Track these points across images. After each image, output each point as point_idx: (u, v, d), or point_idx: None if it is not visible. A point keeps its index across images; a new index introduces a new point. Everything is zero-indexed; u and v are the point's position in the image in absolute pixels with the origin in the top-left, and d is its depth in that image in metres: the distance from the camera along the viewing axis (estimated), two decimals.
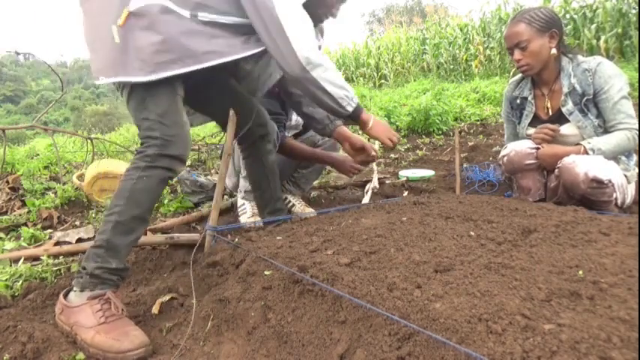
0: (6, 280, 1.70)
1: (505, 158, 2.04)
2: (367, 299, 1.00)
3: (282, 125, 2.27)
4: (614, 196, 1.76)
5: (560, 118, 1.99)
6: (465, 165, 3.19)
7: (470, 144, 4.10)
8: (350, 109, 1.65)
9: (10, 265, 1.82)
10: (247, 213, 2.22)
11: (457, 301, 0.93)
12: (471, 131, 4.95)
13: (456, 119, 5.43)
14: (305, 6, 1.54)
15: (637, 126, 1.84)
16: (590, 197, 1.77)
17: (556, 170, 1.88)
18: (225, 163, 1.68)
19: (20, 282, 1.70)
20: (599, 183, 1.71)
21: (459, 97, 6.40)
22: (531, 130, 2.06)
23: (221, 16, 1.47)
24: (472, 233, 1.37)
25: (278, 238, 1.53)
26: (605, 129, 1.90)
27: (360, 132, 2.22)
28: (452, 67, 11.07)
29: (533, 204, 1.73)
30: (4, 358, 1.21)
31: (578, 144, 1.87)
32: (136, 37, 1.40)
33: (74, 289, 1.36)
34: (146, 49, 1.40)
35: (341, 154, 2.53)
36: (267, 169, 1.95)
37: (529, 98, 2.08)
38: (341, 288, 1.06)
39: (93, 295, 1.33)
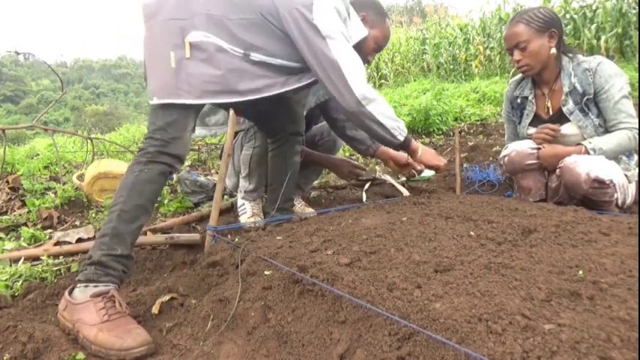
0: (6, 280, 1.70)
1: (506, 158, 2.04)
2: (367, 299, 1.00)
3: None
4: (615, 196, 1.76)
5: (560, 117, 1.99)
6: (464, 165, 3.19)
7: (470, 144, 4.09)
8: (401, 138, 1.80)
9: (10, 265, 1.82)
10: (247, 213, 2.22)
11: (457, 301, 0.93)
12: (471, 131, 4.95)
13: (456, 119, 5.42)
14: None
15: (637, 125, 1.84)
16: (592, 197, 1.77)
17: (557, 170, 1.88)
18: (225, 163, 1.68)
19: (20, 282, 1.70)
20: (600, 183, 1.71)
21: (459, 97, 6.39)
22: (532, 130, 2.06)
23: (270, 57, 1.64)
24: (472, 233, 1.37)
25: (278, 238, 1.53)
26: (605, 128, 1.90)
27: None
28: (452, 67, 11.07)
29: (534, 204, 1.73)
30: (4, 358, 1.21)
31: (579, 144, 1.87)
32: (190, 66, 1.57)
33: (79, 285, 1.37)
34: (198, 77, 1.57)
35: (339, 156, 2.54)
36: (289, 168, 2.05)
37: (530, 98, 2.08)
38: (341, 288, 1.06)
39: (97, 293, 1.34)
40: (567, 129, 1.96)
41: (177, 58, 1.56)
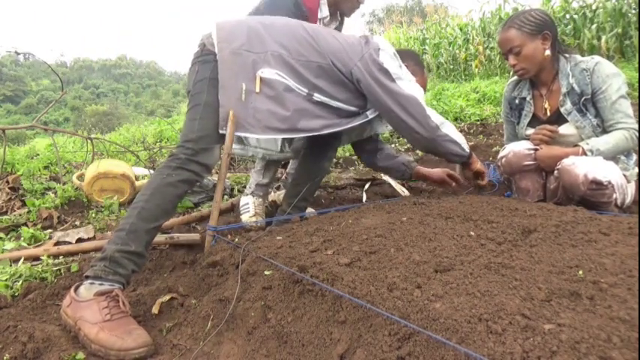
0: (6, 280, 1.70)
1: (503, 160, 2.04)
2: (367, 299, 1.00)
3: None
4: (614, 196, 1.76)
5: (558, 118, 1.99)
6: None
7: (470, 144, 4.09)
8: (469, 150, 1.97)
9: (10, 265, 1.82)
10: (250, 212, 2.23)
11: (457, 301, 0.93)
12: (471, 131, 4.95)
13: (456, 119, 5.42)
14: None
15: (636, 125, 1.83)
16: (590, 199, 1.77)
17: (555, 172, 1.88)
18: (225, 163, 1.68)
19: (20, 282, 1.70)
20: (598, 184, 1.71)
21: (459, 97, 6.39)
22: (530, 131, 2.06)
23: (330, 100, 1.78)
24: (472, 233, 1.37)
25: (278, 238, 1.53)
26: (603, 129, 1.90)
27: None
28: (452, 67, 11.06)
29: (534, 204, 1.73)
30: (5, 358, 1.21)
31: (576, 145, 1.86)
32: (259, 100, 1.66)
33: (85, 281, 1.38)
34: (264, 113, 1.67)
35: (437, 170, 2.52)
36: (319, 170, 2.12)
37: (527, 99, 2.08)
38: (341, 288, 1.06)
39: (101, 291, 1.34)
40: (565, 129, 1.96)
41: (247, 91, 1.64)
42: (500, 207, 1.63)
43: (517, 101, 2.13)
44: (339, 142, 2.17)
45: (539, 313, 0.86)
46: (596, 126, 1.90)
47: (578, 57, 1.96)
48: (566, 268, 1.06)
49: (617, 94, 1.84)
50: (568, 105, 1.94)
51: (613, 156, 1.85)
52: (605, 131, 1.90)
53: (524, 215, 1.52)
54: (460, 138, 1.92)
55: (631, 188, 1.89)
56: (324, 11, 2.23)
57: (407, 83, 1.81)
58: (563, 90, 1.94)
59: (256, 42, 1.68)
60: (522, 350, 0.75)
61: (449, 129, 1.88)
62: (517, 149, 2.00)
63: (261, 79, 1.65)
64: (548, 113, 2.02)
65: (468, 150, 1.97)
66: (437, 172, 2.28)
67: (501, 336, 0.80)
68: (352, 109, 1.85)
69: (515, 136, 2.21)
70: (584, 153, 1.82)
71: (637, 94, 4.48)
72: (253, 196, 2.29)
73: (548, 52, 1.93)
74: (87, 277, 1.38)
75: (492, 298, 0.93)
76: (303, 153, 2.17)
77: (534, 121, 2.07)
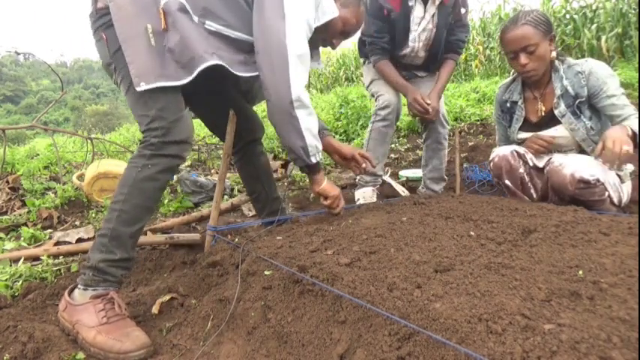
0: (6, 280, 1.70)
1: (491, 164, 2.07)
2: (367, 299, 1.00)
3: None
4: (606, 194, 1.75)
5: (550, 120, 1.98)
6: (465, 165, 3.19)
7: (470, 144, 4.09)
8: (314, 160, 1.62)
9: (10, 265, 1.82)
10: (360, 201, 2.30)
11: (457, 301, 0.93)
12: (471, 131, 4.95)
13: (456, 119, 5.42)
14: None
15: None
16: (580, 198, 1.76)
17: (545, 174, 1.88)
18: (225, 163, 1.68)
19: (20, 282, 1.70)
20: (586, 183, 1.71)
21: (459, 97, 6.39)
22: (522, 135, 2.07)
23: (227, 29, 1.48)
24: (472, 233, 1.37)
25: (278, 238, 1.53)
26: (597, 132, 1.87)
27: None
28: None
29: (534, 204, 1.73)
30: (5, 358, 1.21)
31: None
32: (168, 38, 1.40)
33: (78, 286, 1.37)
34: (176, 49, 1.40)
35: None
36: (260, 171, 1.95)
37: (519, 103, 2.07)
38: (341, 288, 1.06)
39: (96, 295, 1.33)
40: (556, 132, 1.96)
41: (155, 32, 1.39)
42: (500, 207, 1.63)
43: (508, 104, 2.12)
44: (259, 139, 1.96)
45: (539, 313, 0.86)
46: (589, 129, 1.89)
47: (571, 60, 1.95)
48: (566, 268, 1.06)
49: (620, 90, 1.82)
50: (562, 107, 1.93)
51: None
52: (598, 134, 1.87)
53: (524, 215, 1.52)
54: (312, 139, 1.57)
55: (627, 187, 1.89)
56: None
57: (296, 31, 1.46)
58: (558, 92, 1.93)
59: None
60: (522, 350, 0.75)
61: (306, 118, 1.53)
62: (502, 153, 2.01)
63: (163, 11, 1.38)
64: (542, 115, 2.02)
65: (314, 160, 1.61)
66: (348, 147, 1.92)
67: (501, 336, 0.80)
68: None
69: (507, 138, 2.21)
70: (632, 131, 1.66)
71: (637, 94, 4.48)
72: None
73: (554, 54, 1.91)
74: (79, 285, 1.37)
75: (492, 298, 0.93)
76: (239, 167, 1.98)
77: (525, 125, 2.07)
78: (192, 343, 1.28)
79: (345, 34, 1.76)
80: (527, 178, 2.02)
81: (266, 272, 1.28)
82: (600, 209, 1.75)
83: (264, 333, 1.15)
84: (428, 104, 2.18)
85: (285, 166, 3.73)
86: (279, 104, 1.49)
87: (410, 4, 2.20)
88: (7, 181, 3.06)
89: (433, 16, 2.24)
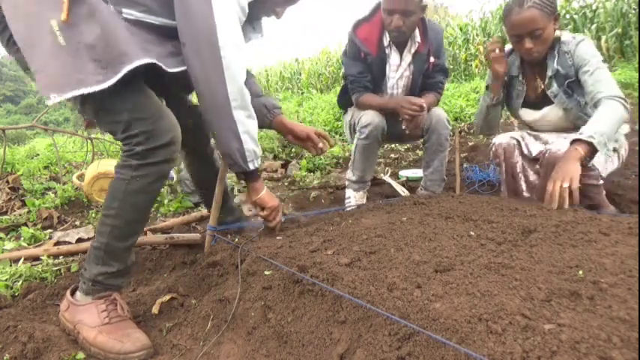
0: (6, 280, 1.70)
1: (491, 152, 2.10)
2: (367, 299, 1.00)
3: None
4: (601, 182, 1.73)
5: (544, 98, 1.98)
6: (465, 165, 3.19)
7: (470, 144, 4.10)
8: (252, 166, 1.47)
9: (10, 265, 1.82)
10: (352, 204, 2.31)
11: (457, 301, 0.93)
12: (471, 131, 4.95)
13: (456, 119, 5.42)
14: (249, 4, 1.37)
15: (621, 93, 1.73)
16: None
17: (541, 161, 1.88)
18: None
19: (20, 282, 1.70)
20: (583, 168, 1.64)
21: (459, 97, 6.40)
22: (526, 112, 2.07)
23: (148, 15, 1.26)
24: (472, 233, 1.37)
25: (278, 238, 1.53)
26: (590, 106, 1.83)
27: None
28: (452, 67, 11.06)
29: (534, 204, 1.73)
30: (5, 358, 1.21)
31: (574, 141, 1.63)
32: (83, 32, 1.14)
33: (79, 290, 1.36)
34: (97, 45, 1.14)
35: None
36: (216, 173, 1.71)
37: (519, 78, 2.05)
38: (341, 288, 1.06)
39: (99, 295, 1.33)
40: (549, 111, 1.98)
41: (63, 27, 1.13)
42: (500, 207, 1.63)
43: (505, 78, 2.08)
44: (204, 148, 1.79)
45: (539, 313, 0.86)
46: (584, 105, 1.88)
47: (564, 35, 1.91)
48: (566, 268, 1.05)
49: (597, 65, 1.78)
50: (554, 87, 1.93)
51: (616, 130, 1.69)
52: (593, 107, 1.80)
53: (524, 215, 1.52)
54: (251, 144, 1.42)
55: (615, 160, 1.87)
56: None
57: (226, 11, 1.25)
58: (549, 73, 1.93)
59: None
60: (522, 350, 0.75)
61: (245, 120, 1.37)
62: (499, 142, 2.05)
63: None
64: (539, 93, 2.01)
65: (251, 166, 1.46)
66: (302, 126, 1.76)
67: (501, 336, 0.80)
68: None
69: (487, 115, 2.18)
70: (588, 144, 1.58)
71: (637, 94, 4.48)
72: (352, 189, 2.39)
73: (558, 33, 1.88)
74: (77, 290, 1.35)
75: (492, 298, 0.93)
76: (191, 169, 1.86)
77: (524, 102, 2.07)
78: (192, 343, 1.28)
79: (289, 1, 1.58)
80: (518, 169, 2.02)
81: (266, 272, 1.28)
82: (594, 198, 1.74)
83: (264, 333, 1.15)
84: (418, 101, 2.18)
85: (285, 166, 3.73)
86: (214, 104, 1.32)
87: (386, 51, 2.27)
88: (7, 181, 3.06)
89: (409, 64, 2.32)
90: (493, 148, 2.08)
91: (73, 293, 1.38)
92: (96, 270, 1.32)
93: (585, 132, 1.60)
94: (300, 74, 15.98)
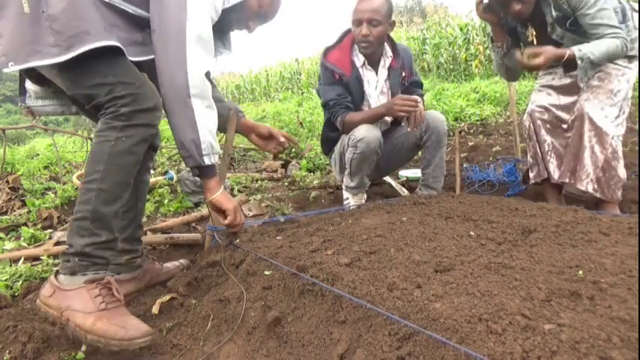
0: (6, 280, 1.70)
1: (524, 121, 2.14)
2: (367, 299, 1.00)
3: None
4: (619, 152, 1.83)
5: (549, 42, 1.99)
6: (465, 165, 3.19)
7: (470, 144, 4.10)
8: (207, 161, 1.39)
9: (10, 265, 1.82)
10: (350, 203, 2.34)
11: (457, 301, 0.93)
12: (471, 131, 4.95)
13: (456, 119, 5.42)
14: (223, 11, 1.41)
15: (623, 32, 1.83)
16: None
17: (570, 123, 1.96)
18: (226, 163, 1.68)
19: (20, 282, 1.70)
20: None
21: (459, 97, 6.40)
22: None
23: (125, 2, 1.28)
24: (472, 233, 1.37)
25: (278, 238, 1.53)
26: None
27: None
28: (452, 67, 11.07)
29: (534, 204, 1.73)
30: (5, 358, 1.21)
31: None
32: (49, 2, 1.16)
33: (62, 272, 1.26)
34: (60, 17, 1.15)
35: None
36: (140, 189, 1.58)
37: (519, 28, 2.12)
38: (341, 288, 1.06)
39: (90, 279, 1.25)
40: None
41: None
42: (500, 207, 1.63)
43: (506, 28, 2.14)
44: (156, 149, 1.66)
45: (539, 313, 0.86)
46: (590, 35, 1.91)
47: None
48: (566, 268, 1.06)
49: (596, 7, 1.82)
50: (559, 31, 1.96)
51: (604, 62, 1.87)
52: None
53: (524, 215, 1.52)
54: (208, 137, 1.36)
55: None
56: None
57: (198, 9, 1.30)
58: (549, 20, 1.95)
59: None
60: (522, 350, 0.75)
61: (204, 112, 1.34)
62: (526, 115, 2.11)
63: None
64: (535, 42, 2.05)
65: (207, 160, 1.38)
66: (265, 126, 1.77)
67: (501, 336, 0.80)
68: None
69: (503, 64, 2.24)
70: (573, 57, 1.82)
71: (637, 94, 4.48)
72: (350, 193, 2.40)
73: None
74: (63, 273, 1.25)
75: (492, 298, 0.93)
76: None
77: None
78: (192, 343, 1.28)
79: (262, 17, 1.59)
80: (547, 148, 2.08)
81: (266, 272, 1.28)
82: (608, 170, 1.83)
83: (264, 333, 1.15)
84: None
85: (285, 166, 3.73)
86: (173, 89, 1.30)
87: (360, 71, 2.28)
88: (7, 181, 3.06)
89: (386, 80, 2.34)
90: (525, 122, 2.13)
91: (56, 278, 1.27)
92: (82, 241, 1.23)
93: (583, 49, 1.82)
94: (300, 74, 15.99)
